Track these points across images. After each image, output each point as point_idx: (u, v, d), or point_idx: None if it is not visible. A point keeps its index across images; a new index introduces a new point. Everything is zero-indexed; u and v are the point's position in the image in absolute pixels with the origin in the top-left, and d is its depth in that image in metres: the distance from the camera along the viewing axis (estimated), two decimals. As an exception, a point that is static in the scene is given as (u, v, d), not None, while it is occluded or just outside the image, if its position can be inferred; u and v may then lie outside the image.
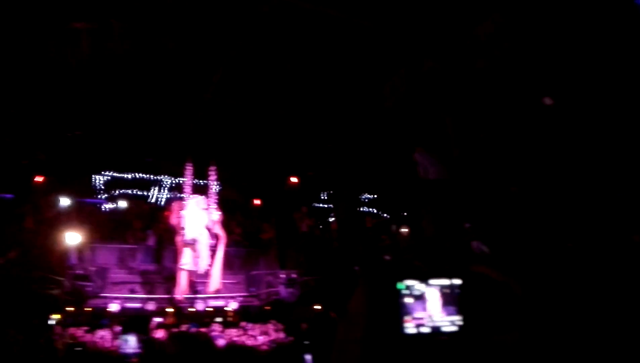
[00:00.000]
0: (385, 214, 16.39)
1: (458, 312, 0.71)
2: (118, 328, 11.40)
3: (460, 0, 8.59)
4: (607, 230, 6.92)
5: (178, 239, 12.51)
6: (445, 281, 0.71)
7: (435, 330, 0.69)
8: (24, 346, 8.98)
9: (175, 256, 12.83)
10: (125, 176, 15.72)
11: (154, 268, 13.93)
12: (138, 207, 15.85)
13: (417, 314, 0.70)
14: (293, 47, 9.49)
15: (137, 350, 9.19)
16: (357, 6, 8.64)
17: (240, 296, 13.88)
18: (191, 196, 12.99)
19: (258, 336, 11.78)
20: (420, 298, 0.68)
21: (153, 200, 16.16)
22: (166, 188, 16.22)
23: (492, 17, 8.62)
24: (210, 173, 13.47)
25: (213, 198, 13.21)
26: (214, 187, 13.42)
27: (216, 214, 12.81)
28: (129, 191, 15.91)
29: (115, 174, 15.57)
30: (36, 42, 9.24)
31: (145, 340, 9.55)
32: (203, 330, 11.54)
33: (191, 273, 12.38)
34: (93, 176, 15.37)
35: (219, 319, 13.20)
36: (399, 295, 0.67)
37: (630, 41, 7.09)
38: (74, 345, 10.22)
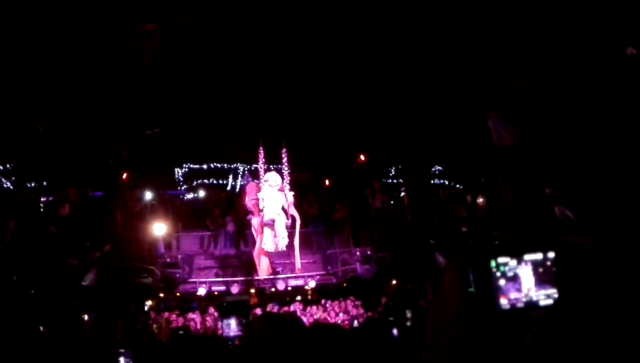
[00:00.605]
0: (458, 186, 15.96)
1: (554, 285, 0.69)
2: (211, 311, 12.04)
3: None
4: None
5: (256, 221, 12.79)
6: (539, 256, 0.68)
7: (531, 304, 0.68)
8: (124, 331, 9.72)
9: (253, 239, 13.22)
10: (203, 166, 16.41)
11: (235, 252, 14.53)
12: (216, 195, 16.55)
13: (512, 295, 0.68)
14: (356, 19, 9.32)
15: (238, 333, 9.68)
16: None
17: (318, 274, 14.17)
18: (266, 174, 13.12)
19: (338, 312, 12.01)
20: (513, 278, 0.67)
21: (229, 188, 16.77)
22: (241, 175, 16.76)
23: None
24: (281, 156, 13.65)
25: (286, 180, 13.41)
26: (286, 170, 13.64)
27: (290, 196, 12.95)
28: (207, 181, 16.62)
29: (193, 165, 16.29)
30: (110, 45, 9.75)
31: (245, 324, 10.03)
32: (285, 308, 11.93)
33: (271, 254, 12.65)
34: (175, 168, 16.19)
35: (299, 298, 13.59)
36: (491, 274, 0.66)
37: None
38: (178, 329, 10.92)
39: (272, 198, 12.61)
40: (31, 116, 9.96)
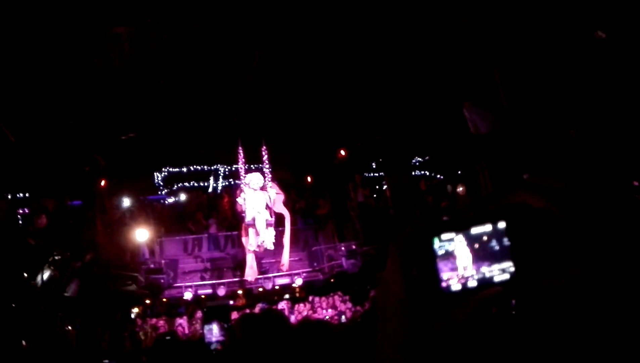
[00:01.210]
0: (439, 176, 16.10)
1: (509, 258, 0.66)
2: (198, 315, 11.94)
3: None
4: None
5: (240, 222, 12.76)
6: (488, 228, 0.64)
7: (484, 282, 0.64)
8: (110, 341, 9.61)
9: (238, 240, 13.19)
10: (182, 169, 16.28)
11: (220, 254, 14.45)
12: (198, 198, 16.43)
13: (445, 274, 0.64)
14: (331, 12, 9.30)
15: (220, 338, 9.60)
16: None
17: (304, 272, 14.17)
18: (247, 175, 13.11)
19: (326, 308, 12.04)
20: (449, 254, 0.62)
21: (211, 189, 16.67)
22: (222, 176, 16.67)
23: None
24: (262, 154, 13.61)
25: (268, 179, 13.39)
26: (267, 169, 13.60)
27: (273, 192, 12.93)
28: (187, 184, 16.49)
29: (172, 169, 16.14)
30: (80, 51, 9.59)
31: (227, 328, 9.95)
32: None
33: (257, 253, 12.65)
34: (154, 173, 16.02)
35: (287, 296, 13.58)
36: (433, 252, 0.62)
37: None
38: (164, 335, 10.81)
39: (253, 198, 12.62)
40: (1, 126, 9.74)
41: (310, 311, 11.80)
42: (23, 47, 8.78)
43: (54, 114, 10.81)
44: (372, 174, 16.98)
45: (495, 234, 0.64)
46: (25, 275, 8.32)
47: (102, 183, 13.18)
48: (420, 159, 16.46)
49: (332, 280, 13.99)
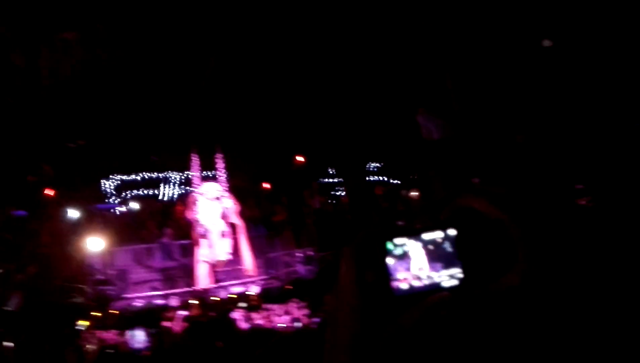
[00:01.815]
0: (395, 181, 16.34)
1: (457, 264, 0.66)
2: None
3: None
4: (616, 170, 6.79)
5: (193, 232, 12.60)
6: (439, 234, 0.65)
7: (433, 286, 0.64)
8: (53, 355, 9.20)
9: (191, 249, 12.95)
10: (134, 177, 15.83)
11: (172, 264, 14.10)
12: (150, 206, 16.00)
13: (400, 274, 0.64)
14: (284, 18, 9.33)
15: (146, 344, 9.30)
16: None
17: (260, 279, 14.01)
18: (202, 185, 13.02)
19: (280, 316, 11.92)
20: (402, 257, 0.62)
21: (164, 197, 16.29)
22: (175, 184, 16.32)
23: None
24: (216, 161, 13.48)
25: (223, 187, 13.26)
26: (222, 176, 13.44)
27: (229, 202, 12.86)
28: (139, 192, 16.04)
29: (123, 177, 15.68)
30: (28, 55, 9.24)
31: (155, 333, 9.66)
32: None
33: (211, 263, 12.51)
34: (102, 181, 15.51)
35: (243, 304, 13.37)
36: (386, 256, 0.62)
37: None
38: (106, 348, 10.43)
39: (208, 208, 12.49)
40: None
41: (266, 319, 11.65)
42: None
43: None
44: (329, 181, 17.07)
45: (446, 240, 0.66)
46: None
47: (49, 192, 12.68)
48: (376, 165, 16.67)
49: (288, 287, 13.89)
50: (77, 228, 12.65)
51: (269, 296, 13.51)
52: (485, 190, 0.66)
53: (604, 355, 0.59)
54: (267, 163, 15.77)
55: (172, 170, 16.05)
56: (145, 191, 16.05)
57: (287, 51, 10.27)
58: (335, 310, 0.65)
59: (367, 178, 14.63)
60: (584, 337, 0.60)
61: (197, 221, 12.51)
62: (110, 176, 15.53)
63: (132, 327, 7.98)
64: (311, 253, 13.31)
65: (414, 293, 0.65)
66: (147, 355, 7.02)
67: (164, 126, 12.75)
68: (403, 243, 0.66)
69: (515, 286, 0.61)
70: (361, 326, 0.61)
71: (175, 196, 16.26)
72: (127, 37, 9.51)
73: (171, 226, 14.78)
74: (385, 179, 16.79)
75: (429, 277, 0.66)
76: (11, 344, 9.16)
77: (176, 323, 10.27)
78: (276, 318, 11.45)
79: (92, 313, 11.75)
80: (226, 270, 13.69)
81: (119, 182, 15.79)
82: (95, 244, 12.39)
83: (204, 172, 13.66)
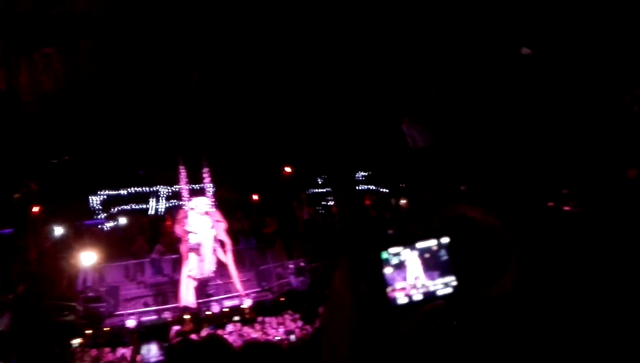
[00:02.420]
0: (383, 189, 16.41)
1: (451, 272, 0.68)
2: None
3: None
4: (604, 170, 6.95)
5: (182, 246, 12.53)
6: (432, 242, 0.67)
7: (429, 295, 0.66)
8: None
9: (181, 264, 12.88)
10: (121, 192, 15.70)
11: (163, 279, 13.99)
12: (138, 221, 15.86)
13: (398, 284, 0.66)
14: (269, 30, 9.38)
15: (160, 358, 9.23)
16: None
17: (253, 292, 13.95)
18: (192, 200, 12.97)
19: (277, 328, 11.87)
20: (399, 266, 0.64)
21: (152, 212, 16.16)
22: (163, 198, 16.21)
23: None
24: (204, 175, 13.44)
25: (211, 200, 13.22)
26: (210, 189, 13.40)
27: (218, 216, 12.83)
28: (127, 207, 15.90)
29: (110, 192, 15.54)
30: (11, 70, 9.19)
31: (166, 348, 9.59)
32: (219, 331, 11.62)
33: (200, 278, 12.44)
34: (89, 197, 15.35)
35: (236, 318, 13.29)
36: (382, 266, 0.64)
37: None
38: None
39: (198, 222, 12.46)
40: None
41: (260, 332, 11.61)
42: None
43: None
44: (319, 191, 17.08)
45: (440, 248, 0.68)
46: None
47: (35, 209, 12.52)
48: (364, 174, 16.74)
49: (281, 299, 13.84)
50: (66, 245, 12.50)
51: (262, 308, 13.46)
52: (477, 198, 0.70)
53: (597, 357, 0.62)
54: (255, 175, 15.75)
55: (160, 184, 15.94)
56: (134, 206, 15.92)
57: (274, 62, 10.32)
58: (332, 321, 0.64)
59: (356, 187, 14.69)
60: (577, 340, 0.63)
61: (187, 235, 12.45)
62: (98, 192, 15.39)
63: (147, 340, 7.94)
64: (303, 264, 13.30)
65: (410, 303, 0.66)
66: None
67: (150, 140, 12.70)
68: (398, 253, 0.67)
69: (508, 292, 0.63)
70: (358, 336, 0.62)
71: (162, 210, 16.15)
72: (111, 51, 9.48)
73: (161, 242, 14.68)
74: (373, 188, 16.86)
75: (424, 286, 0.67)
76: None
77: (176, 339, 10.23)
78: (271, 331, 11.42)
79: (84, 331, 11.61)
80: (217, 284, 13.66)
81: (105, 197, 15.65)
82: (85, 260, 12.28)
83: (192, 186, 13.61)
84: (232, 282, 12.98)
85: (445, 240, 0.69)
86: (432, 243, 0.69)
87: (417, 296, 0.67)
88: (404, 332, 0.63)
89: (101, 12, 8.37)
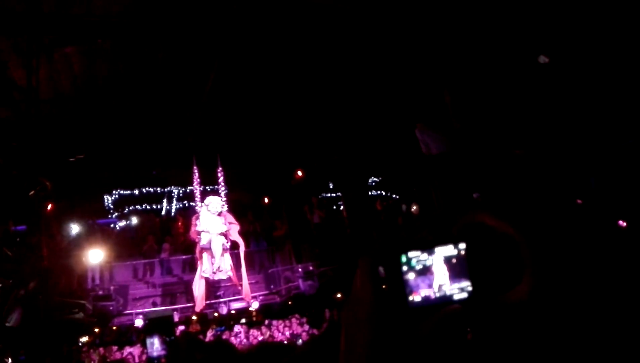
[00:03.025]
0: (394, 195, 16.33)
1: (467, 277, 0.67)
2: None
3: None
4: (621, 181, 6.84)
5: (197, 248, 12.52)
6: (451, 248, 0.66)
7: (445, 299, 0.65)
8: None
9: (191, 264, 12.90)
10: (134, 192, 15.81)
11: (172, 280, 14.05)
12: (150, 221, 15.96)
13: (423, 291, 0.65)
14: (285, 32, 9.38)
15: (162, 352, 9.24)
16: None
17: (261, 295, 13.95)
18: (208, 198, 12.97)
19: (283, 332, 11.85)
20: (424, 272, 0.63)
21: (164, 212, 16.24)
22: (175, 198, 16.29)
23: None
24: (217, 176, 13.45)
25: (224, 202, 13.23)
26: (223, 191, 13.43)
27: (231, 218, 12.83)
28: (140, 207, 16.01)
29: (123, 191, 15.66)
30: (25, 69, 9.28)
31: (169, 342, 9.60)
32: (226, 333, 11.63)
33: (209, 280, 12.43)
34: (104, 196, 15.49)
35: (243, 320, 13.31)
36: (401, 269, 0.63)
37: None
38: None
39: (210, 222, 12.46)
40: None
41: (267, 336, 11.59)
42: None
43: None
44: (329, 195, 17.05)
45: (457, 253, 0.67)
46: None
47: (49, 206, 12.65)
48: (375, 180, 16.67)
49: (289, 303, 13.82)
50: (78, 243, 12.61)
51: (270, 311, 13.46)
52: (493, 205, 0.67)
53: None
54: (267, 178, 15.76)
55: (173, 184, 16.02)
56: (146, 206, 16.01)
57: (288, 65, 10.33)
58: (351, 321, 0.64)
59: (367, 193, 14.62)
60: (592, 348, 0.61)
61: (199, 235, 12.43)
62: (112, 191, 15.52)
63: (150, 334, 7.97)
64: (312, 268, 13.27)
65: (426, 305, 0.65)
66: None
67: (165, 140, 12.77)
68: (418, 256, 0.67)
69: (524, 299, 0.62)
70: (377, 337, 0.61)
71: (174, 210, 16.23)
72: (128, 51, 9.56)
73: (170, 242, 14.75)
74: (384, 193, 16.79)
75: (441, 289, 0.66)
76: (11, 360, 9.09)
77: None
78: (277, 334, 11.40)
79: (92, 329, 11.69)
80: (226, 285, 13.68)
81: (118, 196, 15.77)
82: (99, 255, 12.39)
83: (205, 186, 13.65)
84: (241, 284, 12.98)
85: (462, 245, 0.67)
86: (450, 248, 0.69)
87: (433, 299, 0.67)
88: (422, 333, 0.62)
89: (121, 13, 8.44)
